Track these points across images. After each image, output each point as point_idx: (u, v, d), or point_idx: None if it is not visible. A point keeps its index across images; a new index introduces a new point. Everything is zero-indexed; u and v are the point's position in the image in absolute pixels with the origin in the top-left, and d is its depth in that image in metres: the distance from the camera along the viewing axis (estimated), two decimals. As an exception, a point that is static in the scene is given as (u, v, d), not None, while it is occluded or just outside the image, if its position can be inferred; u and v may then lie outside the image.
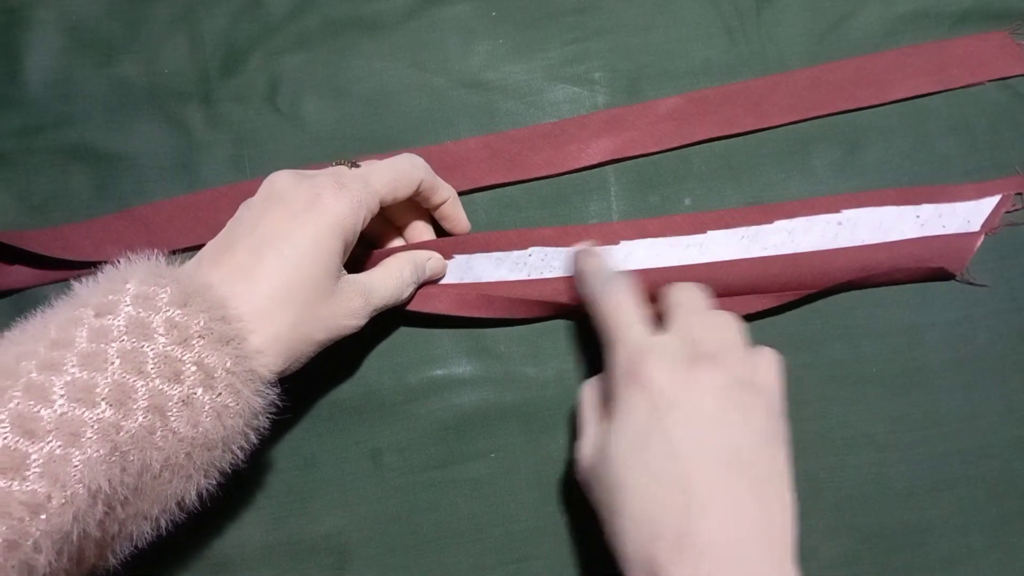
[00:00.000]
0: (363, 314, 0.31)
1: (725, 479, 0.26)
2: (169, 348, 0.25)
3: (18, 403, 0.23)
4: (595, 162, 0.38)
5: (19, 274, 0.36)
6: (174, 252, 0.36)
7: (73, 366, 0.24)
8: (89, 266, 0.36)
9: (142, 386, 0.24)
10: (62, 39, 0.39)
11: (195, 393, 0.25)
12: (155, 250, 0.28)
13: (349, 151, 0.38)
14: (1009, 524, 0.35)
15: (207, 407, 0.25)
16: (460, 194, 0.37)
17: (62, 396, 0.23)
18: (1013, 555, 0.35)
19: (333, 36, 0.39)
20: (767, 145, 0.38)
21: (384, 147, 0.38)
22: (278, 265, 0.28)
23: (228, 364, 0.26)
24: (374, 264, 0.34)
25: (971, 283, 0.37)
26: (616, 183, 0.38)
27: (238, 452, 0.27)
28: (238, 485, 0.34)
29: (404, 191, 0.32)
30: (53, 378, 0.23)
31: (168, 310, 0.25)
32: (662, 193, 0.38)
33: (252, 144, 0.38)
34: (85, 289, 0.26)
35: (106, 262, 0.27)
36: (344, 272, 0.30)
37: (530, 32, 0.39)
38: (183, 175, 0.38)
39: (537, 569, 0.34)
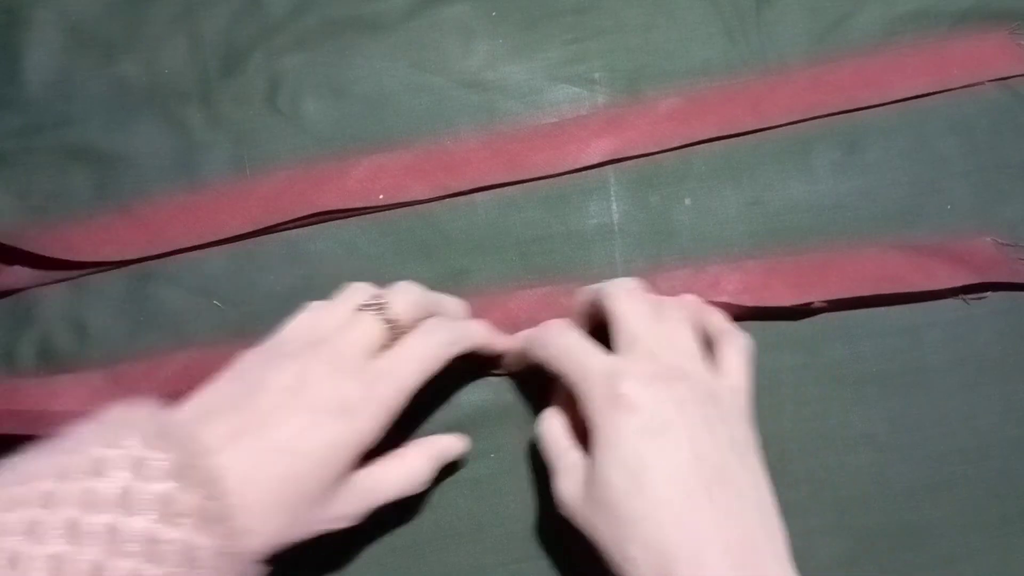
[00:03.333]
0: (358, 516, 0.29)
1: (723, 495, 0.27)
2: (156, 526, 0.23)
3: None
4: (595, 162, 0.38)
5: (19, 274, 0.36)
6: (174, 252, 0.37)
7: (59, 535, 0.23)
8: (89, 266, 0.36)
9: (123, 566, 0.23)
10: (62, 39, 0.39)
11: (175, 573, 0.24)
12: (159, 401, 0.27)
13: (349, 151, 0.38)
14: (1009, 524, 0.35)
15: None
16: (460, 194, 0.37)
17: (41, 571, 0.22)
18: (1013, 555, 0.35)
19: (333, 36, 0.39)
20: (767, 145, 0.38)
21: (384, 147, 0.38)
22: (286, 475, 0.26)
23: (214, 544, 0.24)
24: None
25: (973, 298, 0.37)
26: (616, 183, 0.38)
27: None
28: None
29: (434, 372, 0.30)
30: (36, 548, 0.22)
31: (164, 482, 0.24)
32: (662, 193, 0.38)
33: (252, 144, 0.38)
34: (88, 433, 0.25)
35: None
36: (352, 469, 0.28)
37: (530, 32, 0.39)
38: (183, 175, 0.38)
39: (537, 569, 0.34)
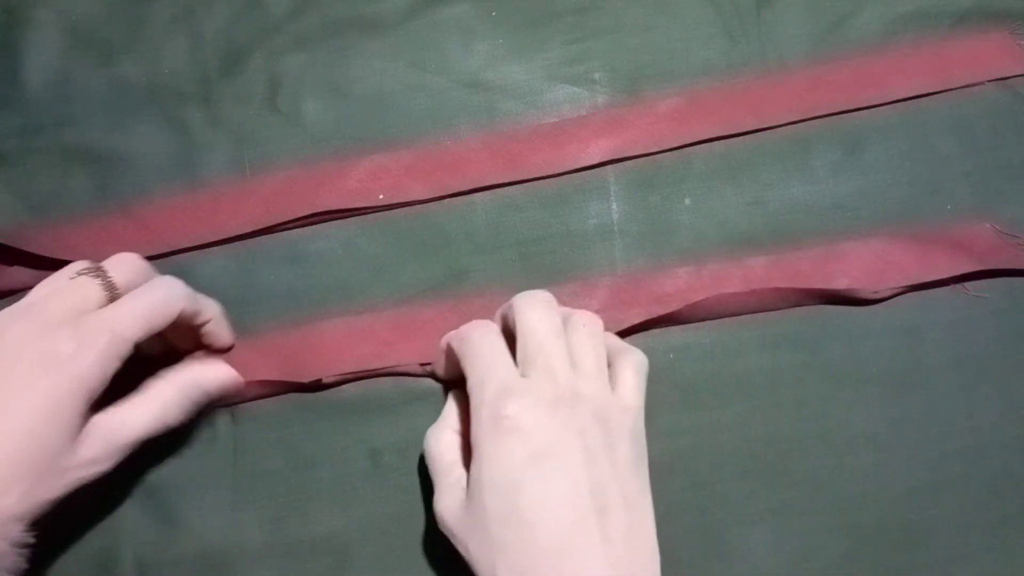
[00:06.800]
0: (108, 458, 0.29)
1: (598, 525, 0.26)
2: None
3: None
4: (595, 162, 0.38)
5: (19, 274, 0.36)
6: (174, 252, 0.37)
7: None
8: (89, 266, 0.36)
9: None
10: (62, 39, 0.39)
11: None
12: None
13: (349, 151, 0.38)
14: (1009, 524, 0.35)
15: None
16: (460, 194, 0.37)
17: None
18: (1013, 555, 0.35)
19: (333, 36, 0.39)
20: (767, 145, 0.38)
21: (384, 147, 0.38)
22: (14, 433, 0.26)
23: None
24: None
25: (970, 293, 0.37)
26: (616, 183, 0.38)
27: None
28: (238, 485, 0.35)
29: (160, 326, 0.30)
30: None
31: None
32: (662, 193, 0.38)
33: (252, 144, 0.38)
34: None
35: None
36: (89, 418, 0.28)
37: (530, 32, 0.39)
38: (183, 175, 0.38)
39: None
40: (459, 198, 0.38)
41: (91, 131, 0.38)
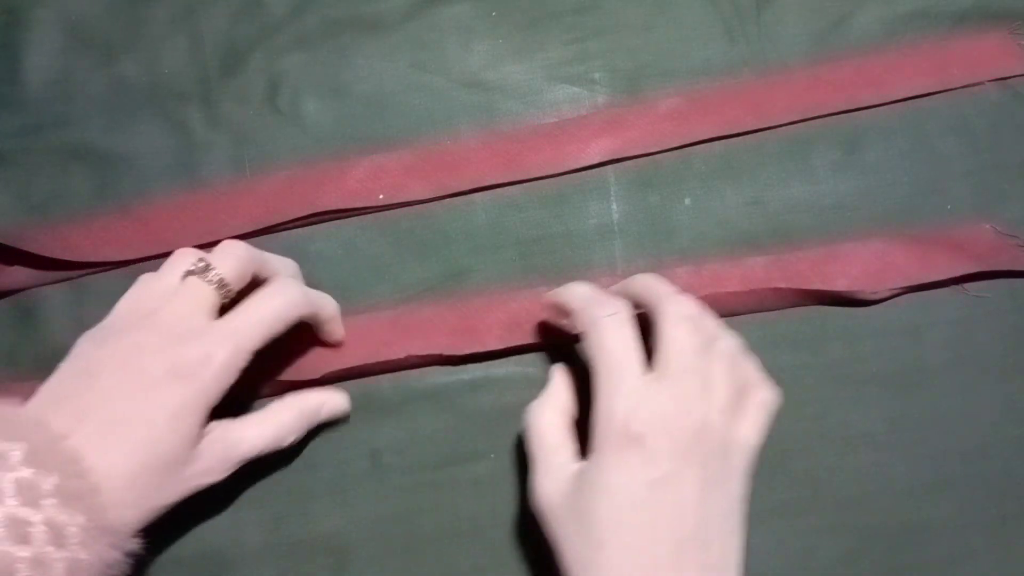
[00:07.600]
0: (223, 469, 0.30)
1: (699, 557, 0.27)
2: (18, 510, 0.24)
3: None
4: (595, 162, 0.38)
5: (19, 274, 0.36)
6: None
7: None
8: (89, 266, 0.36)
9: None
10: (62, 39, 0.39)
11: (46, 551, 0.24)
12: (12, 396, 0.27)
13: (349, 151, 0.38)
14: (1009, 524, 0.35)
15: (59, 564, 0.24)
16: (460, 194, 0.37)
17: None
18: (1013, 555, 0.35)
19: (333, 36, 0.39)
20: (767, 145, 0.38)
21: (384, 147, 0.38)
22: (137, 443, 0.27)
23: (81, 521, 0.25)
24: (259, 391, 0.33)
25: (974, 294, 0.37)
26: (616, 183, 0.38)
27: None
28: (238, 485, 0.35)
29: (279, 332, 0.31)
30: None
31: (19, 469, 0.25)
32: (662, 193, 0.38)
33: (252, 144, 0.38)
34: None
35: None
36: (207, 428, 0.29)
37: (530, 32, 0.39)
38: (183, 175, 0.38)
39: (537, 570, 0.34)
40: (459, 198, 0.38)
41: (91, 131, 0.38)
